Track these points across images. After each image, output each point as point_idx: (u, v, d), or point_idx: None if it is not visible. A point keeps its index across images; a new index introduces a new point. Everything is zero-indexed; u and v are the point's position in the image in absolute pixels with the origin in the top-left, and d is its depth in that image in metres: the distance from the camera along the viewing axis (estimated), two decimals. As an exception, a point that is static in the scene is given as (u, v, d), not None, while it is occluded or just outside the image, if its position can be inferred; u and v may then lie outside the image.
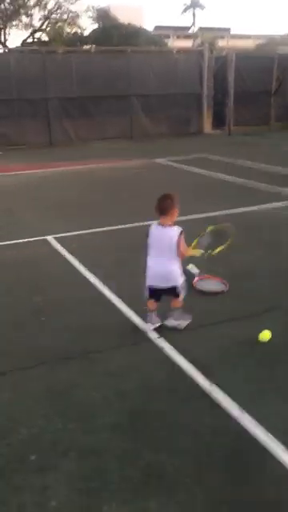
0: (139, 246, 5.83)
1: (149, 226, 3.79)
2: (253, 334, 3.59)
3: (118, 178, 10.28)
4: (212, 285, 4.54)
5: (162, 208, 3.70)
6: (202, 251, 3.89)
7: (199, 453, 2.55)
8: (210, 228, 4.06)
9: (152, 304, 3.80)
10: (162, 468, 2.45)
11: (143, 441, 2.64)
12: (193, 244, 3.88)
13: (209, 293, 4.41)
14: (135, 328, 3.84)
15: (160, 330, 3.74)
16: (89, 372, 3.31)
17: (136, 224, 6.63)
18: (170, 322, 3.81)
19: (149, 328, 3.77)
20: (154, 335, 3.69)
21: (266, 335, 3.57)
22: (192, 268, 4.80)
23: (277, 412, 2.82)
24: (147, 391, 3.06)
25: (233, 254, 4.59)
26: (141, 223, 6.65)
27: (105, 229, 6.47)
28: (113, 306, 4.24)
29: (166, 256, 3.64)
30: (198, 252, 3.87)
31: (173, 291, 3.73)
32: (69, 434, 2.71)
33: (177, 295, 3.76)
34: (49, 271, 5.13)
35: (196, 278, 4.60)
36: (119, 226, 6.55)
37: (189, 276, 4.38)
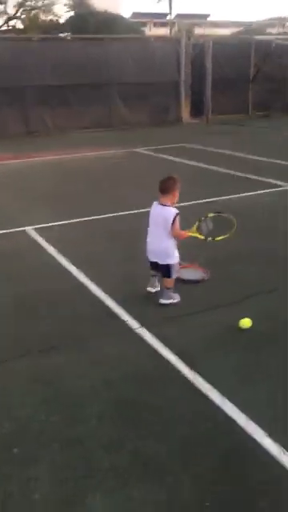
0: (119, 235, 5.85)
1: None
2: (236, 321, 3.61)
3: (98, 167, 10.20)
4: (193, 273, 4.55)
5: (163, 188, 3.92)
6: (204, 236, 4.07)
7: (184, 440, 2.57)
8: (210, 214, 4.18)
9: (153, 271, 4.10)
10: (148, 455, 2.47)
11: (129, 429, 2.65)
12: (194, 227, 4.05)
13: (190, 281, 4.42)
14: (117, 317, 3.84)
15: (143, 320, 3.74)
16: (74, 362, 3.30)
17: (116, 214, 6.61)
18: (163, 301, 4.00)
19: (149, 291, 4.11)
20: (136, 325, 3.69)
21: (246, 322, 3.60)
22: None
23: (260, 399, 2.86)
24: (133, 380, 3.07)
25: (214, 242, 4.60)
26: (121, 213, 6.64)
27: (85, 219, 6.43)
28: (93, 296, 4.22)
29: (160, 234, 3.90)
30: (200, 235, 4.06)
31: (165, 269, 3.95)
32: (54, 424, 2.71)
33: (168, 274, 3.94)
34: (29, 262, 5.08)
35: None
36: (99, 216, 6.51)
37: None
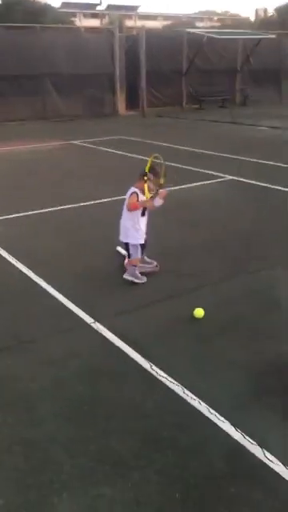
0: (64, 229, 5.72)
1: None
2: (188, 312, 3.64)
3: (35, 160, 9.91)
4: (141, 265, 4.53)
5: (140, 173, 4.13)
6: (151, 194, 4.16)
7: (147, 433, 2.55)
8: (147, 167, 4.16)
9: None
10: (113, 452, 2.42)
11: (90, 427, 2.59)
12: (146, 194, 4.13)
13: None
14: (70, 313, 3.75)
15: (96, 314, 3.68)
16: (25, 362, 3.18)
17: (59, 207, 6.46)
18: (125, 276, 4.27)
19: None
20: (89, 320, 3.63)
21: (199, 312, 3.64)
22: (120, 250, 4.77)
23: (216, 386, 2.89)
24: (87, 377, 3.01)
25: (159, 234, 4.62)
26: (64, 206, 6.50)
27: (27, 213, 6.23)
28: (44, 292, 4.10)
29: (124, 214, 4.24)
30: (147, 195, 4.14)
31: (126, 247, 4.32)
32: (11, 428, 2.60)
33: (128, 253, 4.28)
34: None
35: (126, 260, 4.57)
36: (42, 210, 6.33)
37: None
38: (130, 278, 4.24)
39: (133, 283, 4.21)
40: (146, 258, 4.45)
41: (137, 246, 4.24)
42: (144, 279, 4.24)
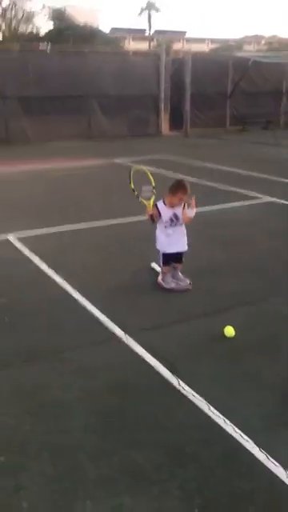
0: (103, 244, 5.86)
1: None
2: (219, 330, 3.65)
3: (79, 177, 10.20)
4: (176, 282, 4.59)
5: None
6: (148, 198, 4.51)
7: (171, 448, 2.57)
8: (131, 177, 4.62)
9: (167, 269, 4.60)
10: (136, 464, 2.46)
11: (116, 438, 2.64)
12: (146, 203, 4.48)
13: (172, 290, 4.45)
14: (102, 326, 3.84)
15: (127, 328, 3.75)
16: (57, 372, 3.27)
17: (97, 223, 6.62)
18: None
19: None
20: (121, 333, 3.70)
21: (230, 331, 3.64)
22: (155, 266, 4.85)
23: (244, 406, 2.89)
24: (117, 389, 3.06)
25: (195, 252, 4.66)
26: (104, 222, 6.66)
27: (67, 228, 6.41)
28: (78, 304, 4.21)
29: None
30: (146, 201, 4.49)
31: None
32: (40, 435, 2.68)
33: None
34: (12, 271, 5.03)
35: (160, 276, 4.64)
36: (81, 226, 6.51)
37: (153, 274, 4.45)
38: (159, 279, 4.53)
39: (166, 290, 4.41)
40: (180, 274, 4.51)
41: (160, 253, 4.46)
42: (171, 285, 4.45)
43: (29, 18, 31.63)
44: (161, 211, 4.39)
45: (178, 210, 4.35)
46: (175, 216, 4.36)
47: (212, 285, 4.62)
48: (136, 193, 4.53)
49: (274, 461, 2.43)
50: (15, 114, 15.24)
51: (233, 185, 8.84)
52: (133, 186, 4.57)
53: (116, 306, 4.17)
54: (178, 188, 4.31)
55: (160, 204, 4.41)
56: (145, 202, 4.49)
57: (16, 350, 3.54)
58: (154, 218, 4.42)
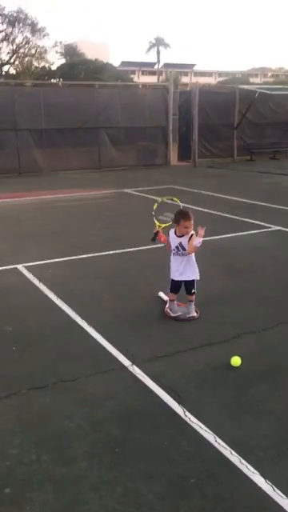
0: (111, 273, 5.90)
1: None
2: (225, 359, 3.64)
3: (89, 207, 10.36)
4: (183, 311, 4.59)
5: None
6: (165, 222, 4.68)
7: (174, 479, 2.54)
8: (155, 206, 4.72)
9: (172, 296, 4.63)
10: (139, 496, 2.43)
11: (119, 469, 2.62)
12: (162, 225, 4.65)
13: (179, 319, 4.46)
14: (108, 354, 3.84)
15: (133, 357, 3.75)
16: (63, 400, 3.26)
17: (105, 252, 6.68)
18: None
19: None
20: (127, 362, 3.69)
21: (236, 360, 3.62)
22: (162, 295, 4.87)
23: (250, 436, 2.85)
24: (122, 419, 3.04)
25: (203, 281, 4.67)
26: (111, 251, 6.72)
27: (77, 257, 6.48)
28: (85, 333, 4.22)
29: None
30: (158, 222, 4.65)
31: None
32: (44, 465, 2.66)
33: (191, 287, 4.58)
34: (20, 300, 5.08)
35: (167, 305, 4.65)
36: (89, 254, 6.58)
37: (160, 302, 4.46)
38: (166, 308, 4.58)
39: (173, 319, 4.44)
40: (192, 305, 4.54)
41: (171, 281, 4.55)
42: (178, 313, 4.48)
43: (41, 54, 32.66)
44: (170, 239, 4.51)
45: (185, 240, 4.40)
46: (181, 245, 4.41)
47: (219, 313, 4.62)
48: (154, 214, 4.67)
49: (280, 492, 2.39)
50: (27, 146, 15.64)
51: (241, 214, 8.91)
52: (155, 208, 4.71)
53: (122, 335, 4.18)
54: (179, 217, 4.41)
55: (171, 232, 4.53)
56: (157, 222, 4.64)
57: (21, 377, 3.54)
58: (166, 245, 4.58)
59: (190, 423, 2.95)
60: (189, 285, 4.51)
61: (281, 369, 3.63)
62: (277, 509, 2.32)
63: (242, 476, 2.53)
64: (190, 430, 2.90)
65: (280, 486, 2.43)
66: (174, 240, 4.47)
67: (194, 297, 4.51)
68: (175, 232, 4.48)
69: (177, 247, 4.45)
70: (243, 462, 2.62)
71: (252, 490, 2.44)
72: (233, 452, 2.68)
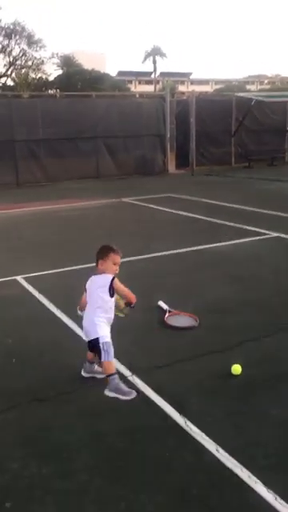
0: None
1: None
2: (226, 368, 3.63)
3: (87, 216, 10.38)
4: (182, 320, 4.60)
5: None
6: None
7: (176, 490, 2.52)
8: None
9: (89, 355, 3.65)
10: (141, 508, 2.42)
11: (121, 481, 2.61)
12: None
13: (179, 328, 4.46)
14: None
15: (134, 368, 3.74)
16: (63, 413, 3.25)
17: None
18: (108, 393, 3.36)
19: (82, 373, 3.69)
20: (127, 373, 3.69)
21: (237, 369, 3.62)
22: (162, 304, 4.87)
23: (251, 445, 2.84)
24: (123, 430, 3.03)
25: (203, 289, 4.69)
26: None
27: (76, 268, 6.48)
28: (85, 344, 4.20)
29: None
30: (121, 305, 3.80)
31: (96, 346, 3.40)
32: (45, 479, 2.65)
33: (99, 351, 3.37)
34: (19, 312, 5.08)
35: (167, 314, 4.65)
36: (90, 265, 6.55)
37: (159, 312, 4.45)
38: (113, 395, 3.32)
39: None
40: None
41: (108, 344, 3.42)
42: (133, 395, 3.31)
43: (38, 65, 32.87)
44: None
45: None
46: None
47: (219, 321, 4.62)
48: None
49: (282, 501, 2.38)
50: (25, 157, 15.71)
51: (240, 221, 8.93)
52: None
53: (122, 345, 4.15)
54: (108, 250, 3.84)
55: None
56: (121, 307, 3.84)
57: (21, 390, 3.53)
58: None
59: (192, 433, 2.95)
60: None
61: (282, 376, 3.62)
62: (279, 519, 2.31)
63: (244, 485, 2.52)
64: (191, 441, 2.89)
65: (282, 495, 2.41)
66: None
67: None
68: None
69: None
70: (245, 471, 2.61)
71: (254, 500, 2.43)
72: (234, 461, 2.67)
